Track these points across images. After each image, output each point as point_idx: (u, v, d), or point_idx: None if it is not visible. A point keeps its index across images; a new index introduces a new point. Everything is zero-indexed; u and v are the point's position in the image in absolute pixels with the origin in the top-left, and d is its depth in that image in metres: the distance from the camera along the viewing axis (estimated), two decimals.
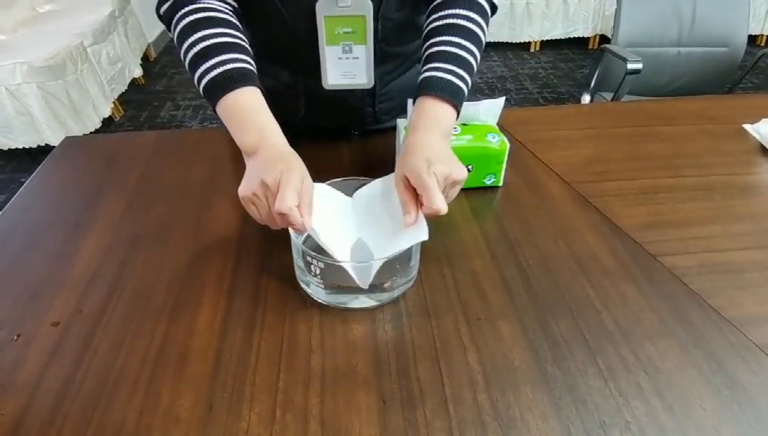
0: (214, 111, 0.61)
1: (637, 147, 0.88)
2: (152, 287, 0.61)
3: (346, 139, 0.90)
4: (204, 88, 0.61)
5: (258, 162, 0.57)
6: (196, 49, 0.61)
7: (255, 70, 0.63)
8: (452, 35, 0.65)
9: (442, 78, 0.63)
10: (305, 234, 0.58)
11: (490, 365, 0.51)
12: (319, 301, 0.58)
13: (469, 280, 0.62)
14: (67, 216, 0.74)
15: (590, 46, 3.78)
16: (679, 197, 0.76)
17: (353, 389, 0.49)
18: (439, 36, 0.66)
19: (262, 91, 0.62)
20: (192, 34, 0.61)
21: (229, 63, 0.60)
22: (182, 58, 0.63)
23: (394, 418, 0.47)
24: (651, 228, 0.70)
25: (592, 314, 0.57)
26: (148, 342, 0.54)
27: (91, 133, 2.49)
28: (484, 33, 0.68)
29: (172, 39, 0.66)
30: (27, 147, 2.40)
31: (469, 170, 0.74)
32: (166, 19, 0.66)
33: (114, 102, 2.80)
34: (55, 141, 2.32)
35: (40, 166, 0.86)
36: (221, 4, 0.66)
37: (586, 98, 1.78)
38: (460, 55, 0.65)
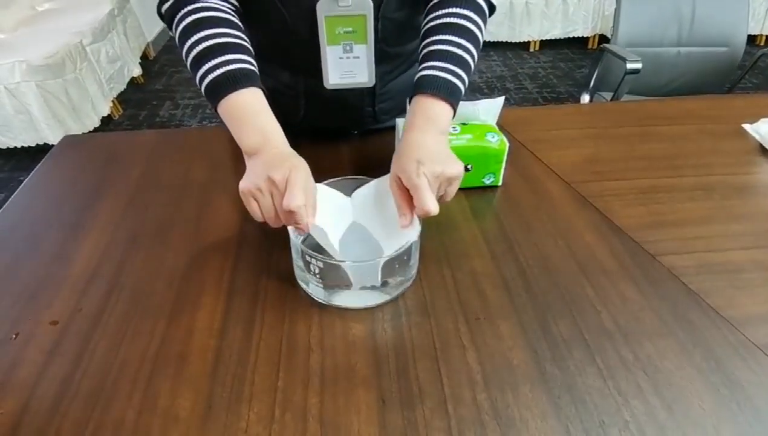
0: (216, 111, 0.61)
1: (637, 147, 0.89)
2: (151, 286, 0.61)
3: (346, 138, 0.90)
4: (206, 88, 0.61)
5: (262, 161, 0.57)
6: (198, 49, 0.61)
7: (257, 71, 0.63)
8: (449, 34, 0.65)
9: (437, 76, 0.63)
10: (305, 233, 0.58)
11: (489, 365, 0.51)
12: (319, 300, 0.58)
13: (468, 280, 0.62)
14: (66, 215, 0.73)
15: (590, 46, 3.78)
16: (678, 197, 0.76)
17: (352, 389, 0.49)
18: (436, 35, 0.66)
19: (264, 91, 0.62)
20: (194, 34, 0.61)
21: (231, 63, 0.60)
22: (183, 57, 0.63)
23: (394, 417, 0.47)
24: (650, 228, 0.70)
25: (592, 314, 0.57)
26: (148, 341, 0.54)
27: (90, 132, 2.49)
28: (481, 32, 0.68)
29: (173, 38, 0.66)
30: (26, 146, 2.40)
31: (468, 169, 0.75)
32: (168, 17, 0.65)
33: (113, 101, 2.79)
34: (54, 140, 2.32)
35: (39, 165, 0.86)
36: (223, 3, 0.65)
37: (585, 98, 1.78)
38: (457, 54, 0.65)
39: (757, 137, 0.89)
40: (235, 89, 0.59)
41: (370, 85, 0.73)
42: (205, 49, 0.61)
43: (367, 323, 0.56)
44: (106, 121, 2.72)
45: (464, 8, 0.67)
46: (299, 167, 0.56)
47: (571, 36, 3.70)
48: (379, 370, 0.51)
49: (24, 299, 0.59)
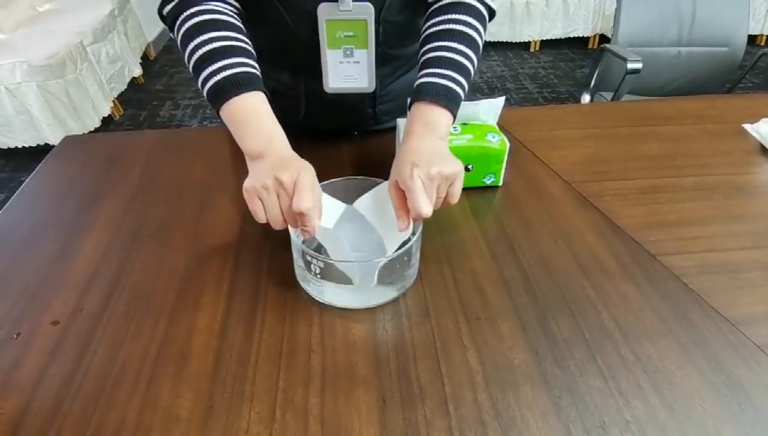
0: (218, 114, 0.61)
1: (637, 147, 0.89)
2: (152, 286, 0.61)
3: (346, 139, 0.90)
4: (208, 91, 0.61)
5: (267, 163, 0.57)
6: (200, 52, 0.61)
7: (260, 74, 0.62)
8: (449, 40, 0.65)
9: (437, 83, 0.63)
10: (311, 237, 0.58)
11: (490, 365, 0.51)
12: (319, 300, 0.59)
13: (469, 279, 0.62)
14: (66, 215, 0.74)
15: (590, 46, 3.78)
16: (679, 197, 0.76)
17: (353, 389, 0.49)
18: (435, 41, 0.66)
19: (266, 95, 0.62)
20: (197, 36, 0.61)
21: (233, 67, 0.60)
22: (185, 60, 0.63)
23: (394, 417, 0.47)
24: (651, 228, 0.70)
25: (592, 314, 0.57)
26: (148, 341, 0.54)
27: (90, 132, 2.49)
28: (481, 37, 0.68)
29: (174, 39, 0.66)
30: (26, 146, 2.40)
31: (469, 170, 0.75)
32: (170, 19, 0.65)
33: (113, 101, 2.80)
34: (54, 140, 2.32)
35: (39, 165, 0.86)
36: (225, 6, 0.65)
37: (586, 98, 1.78)
38: (456, 60, 0.65)
39: (758, 137, 0.89)
40: (237, 93, 0.59)
41: (370, 90, 0.73)
42: (207, 52, 0.60)
43: (368, 323, 0.56)
44: (107, 122, 2.73)
45: (464, 14, 0.67)
46: (307, 169, 0.56)
47: (571, 36, 3.70)
48: (379, 370, 0.51)
49: (25, 299, 0.59)
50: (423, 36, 0.69)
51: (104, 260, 0.65)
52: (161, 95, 3.10)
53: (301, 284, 0.60)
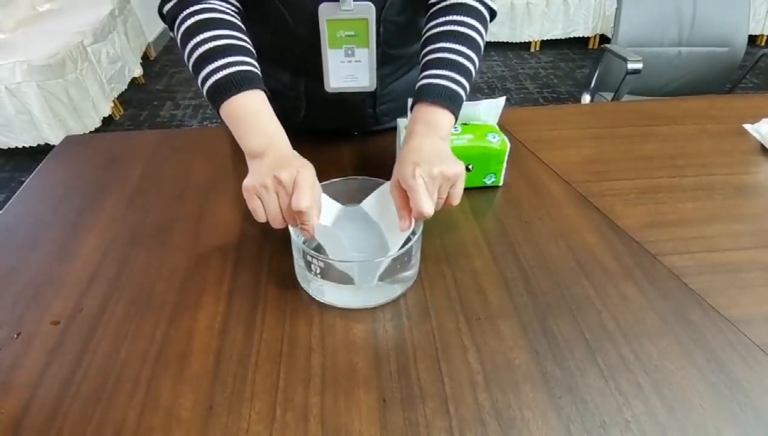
0: (218, 113, 0.61)
1: (637, 147, 0.89)
2: (152, 286, 0.61)
3: (347, 139, 0.90)
4: (208, 90, 0.61)
5: (267, 162, 0.57)
6: (200, 51, 0.61)
7: (260, 74, 0.63)
8: (450, 42, 0.65)
9: (438, 84, 0.63)
10: (310, 236, 0.58)
11: (490, 365, 0.51)
12: (319, 300, 0.58)
13: (469, 279, 0.62)
14: (67, 215, 0.74)
15: (590, 46, 3.78)
16: (679, 197, 0.76)
17: (353, 389, 0.49)
18: (436, 43, 0.66)
19: (266, 94, 0.62)
20: (197, 35, 0.61)
21: (233, 66, 0.60)
22: (185, 59, 0.63)
23: (395, 417, 0.47)
24: (651, 228, 0.70)
25: (592, 314, 0.57)
26: (149, 341, 0.54)
27: (90, 132, 2.49)
28: (482, 38, 0.68)
29: (174, 38, 0.66)
30: (27, 146, 2.40)
31: (469, 170, 0.75)
32: (170, 18, 0.65)
33: (114, 101, 2.80)
34: (54, 140, 2.32)
35: (40, 166, 0.86)
36: (225, 5, 0.65)
37: (586, 98, 1.78)
38: (457, 61, 0.65)
39: (758, 137, 0.89)
40: (237, 92, 0.59)
41: (371, 89, 0.73)
42: (207, 51, 0.60)
43: (368, 322, 0.56)
44: (107, 122, 2.73)
45: (465, 15, 0.67)
46: (306, 168, 0.56)
47: (571, 36, 3.70)
48: (380, 370, 0.51)
49: (25, 299, 0.60)
50: (424, 37, 0.69)
51: (104, 260, 0.65)
52: (161, 95, 3.11)
53: (302, 283, 0.60)
